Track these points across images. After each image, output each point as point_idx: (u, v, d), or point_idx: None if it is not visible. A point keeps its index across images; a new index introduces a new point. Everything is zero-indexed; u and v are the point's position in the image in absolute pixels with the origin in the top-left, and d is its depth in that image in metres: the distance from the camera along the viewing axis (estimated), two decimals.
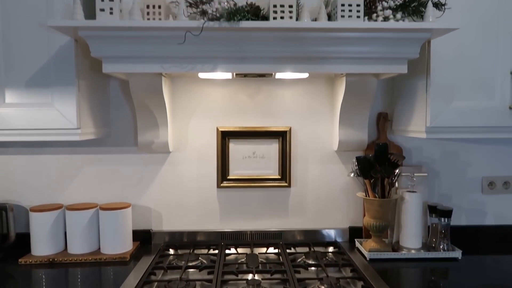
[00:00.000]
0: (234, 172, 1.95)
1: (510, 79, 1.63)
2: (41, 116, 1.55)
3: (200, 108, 1.94)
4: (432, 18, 1.42)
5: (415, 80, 1.71)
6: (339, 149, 1.92)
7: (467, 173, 2.02)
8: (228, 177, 1.95)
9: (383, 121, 1.96)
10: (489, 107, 1.63)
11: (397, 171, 1.77)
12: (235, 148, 1.94)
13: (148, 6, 1.42)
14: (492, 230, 2.01)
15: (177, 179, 1.95)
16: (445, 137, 1.66)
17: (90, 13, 1.54)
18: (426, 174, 1.89)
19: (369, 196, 1.76)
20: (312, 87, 1.95)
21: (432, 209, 1.80)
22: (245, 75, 1.78)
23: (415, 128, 1.73)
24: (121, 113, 1.93)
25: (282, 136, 1.94)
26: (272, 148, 1.95)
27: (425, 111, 1.65)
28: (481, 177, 2.02)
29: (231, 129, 1.93)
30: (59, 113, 1.55)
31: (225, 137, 1.93)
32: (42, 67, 1.54)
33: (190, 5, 1.45)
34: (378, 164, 1.73)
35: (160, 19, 1.42)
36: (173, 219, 1.97)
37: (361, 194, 1.80)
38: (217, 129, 1.93)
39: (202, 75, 1.74)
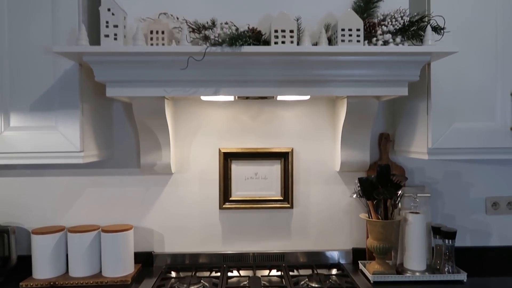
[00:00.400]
0: (236, 193, 1.95)
1: (510, 100, 1.64)
2: (45, 139, 1.56)
3: (203, 130, 1.95)
4: (431, 41, 1.44)
5: (416, 101, 1.73)
6: (341, 170, 1.92)
7: (471, 194, 2.01)
8: (231, 199, 1.94)
9: (384, 141, 1.96)
10: (490, 128, 1.63)
11: (399, 192, 1.76)
12: (237, 169, 1.95)
13: (151, 32, 1.45)
14: (497, 251, 1.99)
15: (179, 200, 1.95)
16: (447, 159, 1.65)
17: (94, 37, 1.57)
18: (429, 195, 1.89)
19: (372, 218, 1.75)
20: (313, 108, 1.96)
21: (436, 231, 1.78)
22: (247, 97, 1.79)
23: (417, 149, 1.73)
24: (124, 135, 1.94)
25: (284, 157, 1.95)
26: (274, 169, 1.96)
27: (426, 132, 1.65)
28: (485, 197, 2.01)
29: (233, 151, 1.94)
30: (62, 136, 1.57)
31: (227, 158, 1.94)
32: (46, 91, 1.56)
33: (193, 31, 1.47)
34: (380, 185, 1.73)
35: (163, 44, 1.45)
36: (175, 241, 1.96)
37: (364, 216, 1.79)
38: (219, 150, 1.93)
39: (204, 97, 1.76)
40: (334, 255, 1.96)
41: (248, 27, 1.47)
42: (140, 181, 1.94)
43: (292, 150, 1.95)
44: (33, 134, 1.56)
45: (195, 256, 1.94)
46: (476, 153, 1.65)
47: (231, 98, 1.78)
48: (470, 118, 1.64)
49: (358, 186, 1.78)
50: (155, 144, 1.81)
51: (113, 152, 1.93)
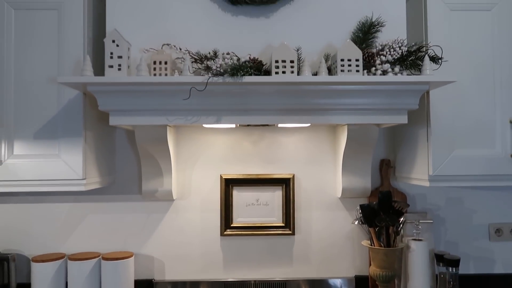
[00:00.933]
0: (238, 219, 1.94)
1: (510, 127, 1.65)
2: (48, 167, 1.58)
3: (204, 156, 1.96)
4: (429, 71, 1.46)
5: (416, 128, 1.74)
6: (343, 196, 1.92)
7: (474, 220, 2.00)
8: (232, 225, 1.94)
9: (385, 168, 1.97)
10: (490, 156, 1.64)
11: (401, 219, 1.75)
12: (239, 195, 1.95)
13: (155, 62, 1.48)
14: (502, 278, 1.96)
15: (180, 227, 1.94)
16: (448, 185, 1.65)
17: (99, 67, 1.61)
18: (431, 221, 1.88)
19: (374, 245, 1.74)
20: (314, 134, 1.98)
21: (439, 258, 1.76)
22: (249, 124, 1.81)
23: (418, 176, 1.74)
24: (126, 161, 1.95)
25: (285, 183, 1.95)
26: (275, 195, 1.95)
27: (427, 159, 1.66)
28: (488, 224, 1.99)
29: (235, 177, 1.94)
30: (65, 164, 1.58)
31: (229, 184, 1.94)
32: (51, 119, 1.59)
33: (195, 61, 1.51)
34: (382, 212, 1.72)
35: (166, 74, 1.48)
36: (175, 268, 1.94)
37: (366, 243, 1.78)
38: (221, 176, 1.94)
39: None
40: (337, 282, 1.93)
41: (250, 57, 1.50)
42: (141, 208, 1.94)
43: (294, 176, 1.95)
44: (36, 162, 1.58)
45: (196, 283, 1.92)
46: (477, 180, 1.65)
47: (232, 124, 1.80)
48: (471, 145, 1.64)
49: (360, 213, 1.77)
50: (156, 170, 1.82)
51: (115, 178, 1.94)
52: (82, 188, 1.59)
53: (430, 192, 1.99)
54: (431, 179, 1.65)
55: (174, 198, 1.90)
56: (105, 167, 1.82)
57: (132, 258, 1.81)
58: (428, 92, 1.64)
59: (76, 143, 1.58)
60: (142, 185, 1.84)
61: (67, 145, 1.58)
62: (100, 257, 1.79)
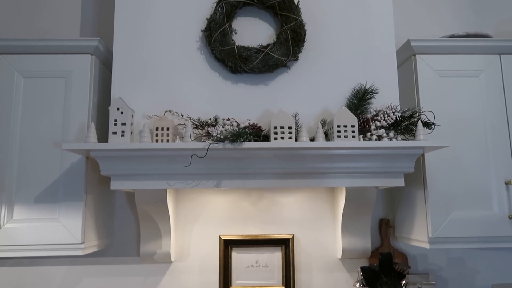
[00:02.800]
0: (237, 282, 1.90)
1: (506, 188, 1.68)
2: (46, 231, 1.57)
3: (203, 216, 1.96)
4: (423, 136, 1.51)
5: (413, 189, 1.76)
6: (343, 257, 1.90)
7: (476, 280, 1.96)
8: None
9: (385, 227, 1.96)
10: (488, 217, 1.65)
11: (403, 281, 1.72)
12: (238, 257, 1.92)
13: (157, 128, 1.52)
14: None
15: None
16: (448, 247, 1.65)
17: (102, 132, 1.65)
18: (434, 283, 1.85)
19: None
20: (313, 194, 1.99)
21: None
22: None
23: (418, 237, 1.73)
24: (125, 223, 1.94)
25: (285, 244, 1.93)
26: (275, 256, 1.93)
27: (425, 220, 1.67)
28: (491, 284, 1.96)
29: (234, 238, 1.93)
30: (64, 228, 1.58)
31: (228, 245, 1.92)
32: (52, 183, 1.60)
33: (197, 127, 1.56)
34: (383, 275, 1.70)
35: (168, 140, 1.52)
36: None
37: None
38: (220, 237, 1.93)
39: None
40: None
41: (249, 123, 1.56)
42: (139, 270, 1.91)
43: (293, 236, 1.94)
44: (35, 227, 1.57)
45: None
46: (477, 242, 1.65)
47: None
48: (468, 207, 1.66)
49: (361, 275, 1.74)
50: (155, 232, 1.81)
51: (113, 240, 1.92)
52: (80, 253, 1.58)
53: (431, 252, 1.97)
54: (431, 241, 1.64)
55: (172, 260, 1.87)
56: (104, 229, 1.81)
57: None
58: (423, 155, 1.68)
59: (76, 207, 1.59)
60: (140, 247, 1.82)
61: (67, 209, 1.59)
62: None
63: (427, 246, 1.66)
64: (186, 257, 1.93)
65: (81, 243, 1.58)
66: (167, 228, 1.81)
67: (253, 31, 1.67)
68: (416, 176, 1.72)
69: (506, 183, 1.67)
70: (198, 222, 1.96)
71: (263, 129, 1.57)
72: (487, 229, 1.64)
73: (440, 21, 2.16)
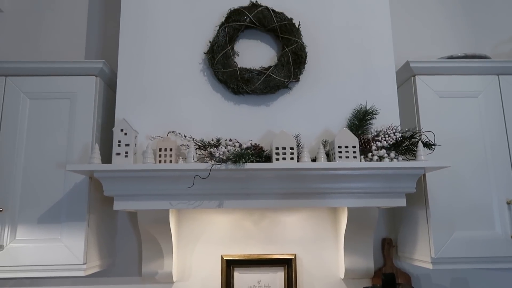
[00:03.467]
0: None
1: (508, 208, 1.68)
2: (49, 252, 1.57)
3: (205, 235, 1.96)
4: (423, 156, 1.52)
5: (415, 209, 1.76)
6: (346, 277, 1.89)
7: None
8: None
9: (387, 247, 1.95)
10: (491, 237, 1.65)
11: None
12: (240, 277, 1.91)
13: (160, 149, 1.54)
14: None
15: None
16: (451, 268, 1.64)
17: (106, 152, 1.67)
18: None
19: None
20: (315, 214, 1.99)
21: None
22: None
23: (420, 257, 1.73)
24: (127, 242, 1.94)
25: (287, 264, 1.93)
26: (277, 276, 1.92)
27: (428, 240, 1.66)
28: None
29: (236, 258, 1.92)
30: (66, 248, 1.58)
31: (230, 265, 1.92)
32: (55, 204, 1.61)
33: (199, 148, 1.57)
34: None
35: (171, 160, 1.53)
36: None
37: None
38: (222, 257, 1.92)
39: None
40: None
41: (251, 143, 1.57)
42: None
43: (295, 256, 1.93)
44: (38, 247, 1.58)
45: None
46: (480, 262, 1.64)
47: None
48: (470, 227, 1.66)
49: None
50: (157, 252, 1.81)
51: (114, 260, 1.92)
52: (82, 274, 1.58)
53: (434, 272, 1.96)
54: (434, 262, 1.64)
55: (174, 280, 1.87)
56: (106, 249, 1.81)
57: None
58: (424, 175, 1.68)
59: (79, 228, 1.60)
60: (142, 267, 1.82)
61: (69, 230, 1.59)
62: None
63: (430, 266, 1.65)
64: (188, 277, 1.92)
65: (83, 264, 1.58)
66: (169, 247, 1.81)
67: (255, 53, 1.70)
68: (418, 196, 1.73)
69: (508, 203, 1.67)
70: (200, 242, 1.95)
71: (265, 149, 1.58)
72: (490, 249, 1.64)
73: (438, 41, 2.19)
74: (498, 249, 1.64)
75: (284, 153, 1.51)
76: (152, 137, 1.60)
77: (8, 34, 2.10)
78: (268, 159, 1.56)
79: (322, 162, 1.50)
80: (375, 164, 1.50)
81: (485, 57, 1.85)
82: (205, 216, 1.98)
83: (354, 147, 1.52)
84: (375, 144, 1.57)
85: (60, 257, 1.57)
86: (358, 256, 1.85)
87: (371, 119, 1.64)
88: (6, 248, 1.58)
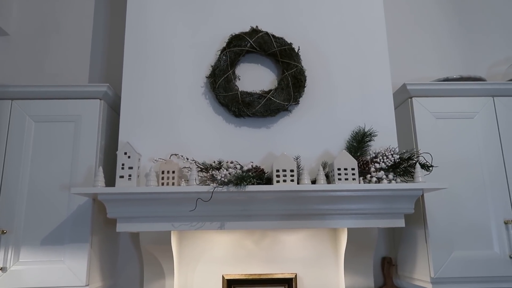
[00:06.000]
0: None
1: (505, 228, 1.70)
2: (52, 273, 1.59)
3: (206, 255, 1.97)
4: (421, 178, 1.55)
5: (414, 228, 1.79)
6: None
7: None
8: None
9: (387, 266, 1.97)
10: (489, 257, 1.66)
11: None
12: None
13: (163, 172, 1.57)
14: None
15: None
16: None
17: (109, 174, 1.69)
18: None
19: None
20: (315, 234, 2.01)
21: None
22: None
23: (420, 277, 1.74)
24: (129, 262, 1.96)
25: (288, 283, 1.94)
26: None
27: (427, 260, 1.68)
28: None
29: (237, 277, 1.93)
30: (69, 270, 1.59)
31: (231, 285, 1.92)
32: (59, 225, 1.63)
33: (201, 170, 1.60)
34: None
35: (173, 183, 1.56)
36: None
37: None
38: (223, 277, 1.93)
39: None
40: None
41: (252, 165, 1.60)
42: None
43: (296, 275, 1.95)
44: (41, 269, 1.59)
45: None
46: (479, 282, 1.66)
47: None
48: (469, 247, 1.68)
49: None
50: (159, 272, 1.82)
51: (117, 281, 1.93)
52: None
53: None
54: (433, 281, 1.65)
55: None
56: (108, 270, 1.82)
57: None
58: (422, 196, 1.71)
59: (82, 249, 1.61)
60: (144, 287, 1.83)
61: (72, 251, 1.61)
62: None
63: (429, 286, 1.66)
64: None
65: (86, 286, 1.59)
66: (171, 268, 1.82)
67: (255, 77, 1.75)
68: (417, 216, 1.75)
69: (506, 223, 1.70)
70: (201, 261, 1.97)
71: (265, 171, 1.61)
72: (489, 269, 1.65)
73: (434, 63, 2.24)
74: (497, 269, 1.66)
75: (285, 175, 1.54)
76: (155, 160, 1.63)
77: (14, 57, 2.15)
78: (269, 181, 1.59)
79: (322, 185, 1.53)
80: (374, 186, 1.53)
81: (480, 79, 1.90)
82: (206, 235, 1.99)
83: (353, 169, 1.55)
84: (373, 166, 1.60)
85: (63, 279, 1.59)
86: (359, 276, 1.86)
87: (369, 140, 1.68)
88: (9, 270, 1.59)
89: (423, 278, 1.72)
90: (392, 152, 1.62)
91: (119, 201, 1.54)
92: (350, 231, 1.78)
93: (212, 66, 1.72)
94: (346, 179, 1.54)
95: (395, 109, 1.87)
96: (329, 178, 1.62)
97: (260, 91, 1.70)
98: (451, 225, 1.69)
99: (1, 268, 1.59)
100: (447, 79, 1.90)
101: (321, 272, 1.97)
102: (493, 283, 1.66)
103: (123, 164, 1.55)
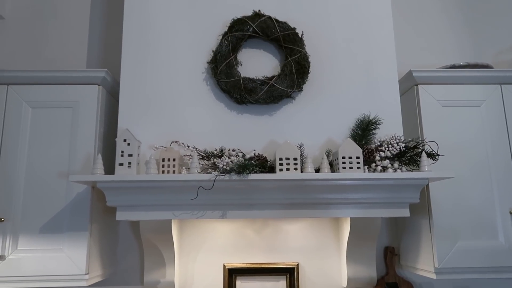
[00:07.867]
0: None
1: (510, 218, 1.68)
2: (51, 262, 1.57)
3: (207, 244, 1.95)
4: (427, 167, 1.52)
5: (418, 218, 1.76)
6: (349, 286, 1.88)
7: None
8: None
9: (390, 255, 1.95)
10: (494, 247, 1.64)
11: None
12: (242, 286, 1.91)
13: (163, 159, 1.54)
14: None
15: None
16: (455, 278, 1.64)
17: (108, 162, 1.66)
18: None
19: None
20: (317, 222, 1.99)
21: None
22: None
23: (423, 267, 1.73)
24: (129, 251, 1.94)
25: (289, 272, 1.92)
26: (279, 285, 1.92)
27: (431, 250, 1.66)
28: None
29: (238, 266, 1.92)
30: (69, 259, 1.57)
31: (232, 274, 1.91)
32: (57, 214, 1.60)
33: (202, 158, 1.57)
34: None
35: (174, 171, 1.53)
36: None
37: None
38: (224, 266, 1.92)
39: None
40: None
41: (254, 153, 1.57)
42: None
43: (298, 265, 1.93)
44: (40, 257, 1.57)
45: None
46: (483, 272, 1.64)
47: None
48: (473, 237, 1.65)
49: None
50: (159, 260, 1.80)
51: (116, 269, 1.91)
52: (84, 284, 1.57)
53: (437, 281, 1.96)
54: (437, 272, 1.64)
55: None
56: (108, 259, 1.80)
57: None
58: (428, 185, 1.68)
59: (81, 238, 1.59)
60: (144, 276, 1.81)
61: (71, 240, 1.59)
62: None
63: (433, 276, 1.65)
64: (190, 286, 1.91)
65: (86, 274, 1.57)
66: (171, 256, 1.80)
67: (258, 63, 1.70)
68: (421, 205, 1.72)
69: (511, 213, 1.67)
70: (202, 250, 1.95)
71: (268, 159, 1.58)
72: (493, 259, 1.63)
73: (440, 50, 2.20)
74: (502, 259, 1.64)
75: (288, 164, 1.51)
76: (155, 147, 1.60)
77: (10, 41, 2.09)
78: (272, 169, 1.56)
79: (326, 173, 1.50)
80: (379, 175, 1.50)
81: (487, 66, 1.85)
82: (207, 224, 1.97)
83: (358, 157, 1.52)
84: (378, 155, 1.57)
85: (62, 267, 1.56)
86: (361, 265, 1.85)
87: (374, 128, 1.64)
88: (8, 258, 1.57)
89: (427, 268, 1.70)
90: (397, 141, 1.59)
91: (118, 189, 1.51)
92: (353, 221, 1.75)
93: (213, 51, 1.67)
94: (351, 167, 1.51)
95: (400, 95, 1.83)
96: (333, 167, 1.59)
97: (263, 77, 1.65)
98: (456, 215, 1.66)
99: (0, 256, 1.56)
100: (453, 66, 1.85)
101: (323, 261, 1.96)
102: (498, 273, 1.64)
103: (122, 152, 1.51)
